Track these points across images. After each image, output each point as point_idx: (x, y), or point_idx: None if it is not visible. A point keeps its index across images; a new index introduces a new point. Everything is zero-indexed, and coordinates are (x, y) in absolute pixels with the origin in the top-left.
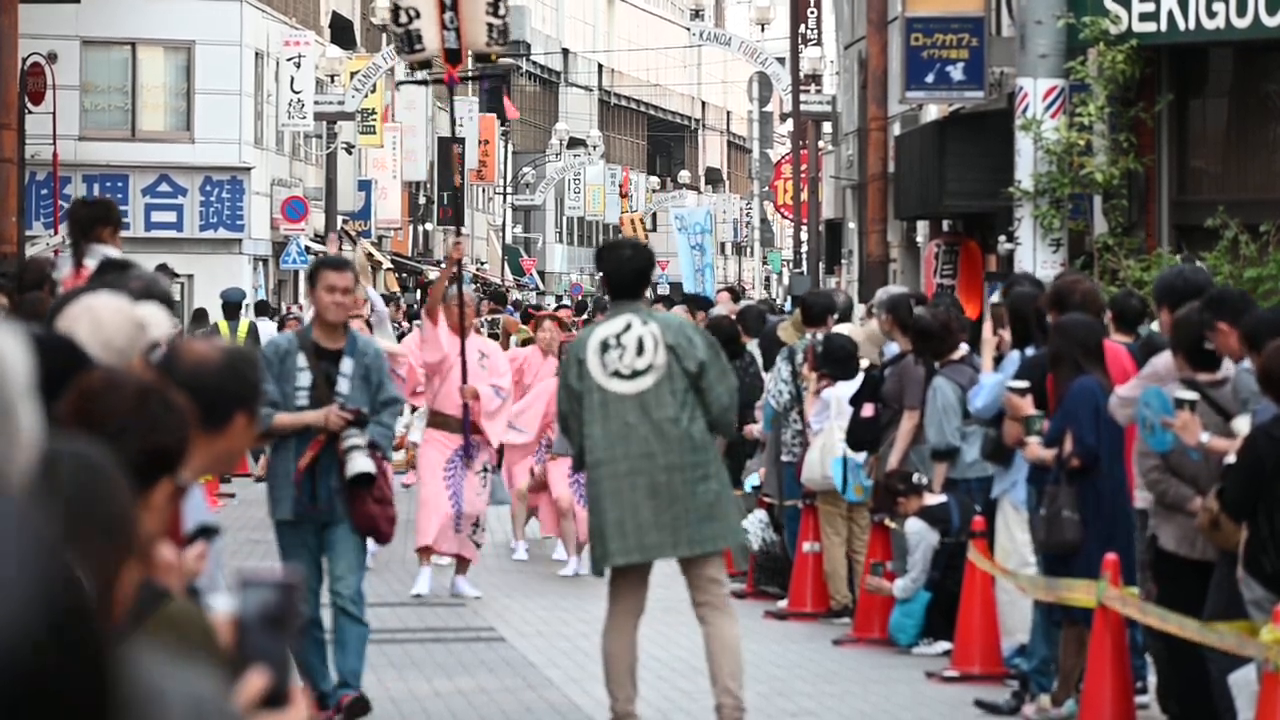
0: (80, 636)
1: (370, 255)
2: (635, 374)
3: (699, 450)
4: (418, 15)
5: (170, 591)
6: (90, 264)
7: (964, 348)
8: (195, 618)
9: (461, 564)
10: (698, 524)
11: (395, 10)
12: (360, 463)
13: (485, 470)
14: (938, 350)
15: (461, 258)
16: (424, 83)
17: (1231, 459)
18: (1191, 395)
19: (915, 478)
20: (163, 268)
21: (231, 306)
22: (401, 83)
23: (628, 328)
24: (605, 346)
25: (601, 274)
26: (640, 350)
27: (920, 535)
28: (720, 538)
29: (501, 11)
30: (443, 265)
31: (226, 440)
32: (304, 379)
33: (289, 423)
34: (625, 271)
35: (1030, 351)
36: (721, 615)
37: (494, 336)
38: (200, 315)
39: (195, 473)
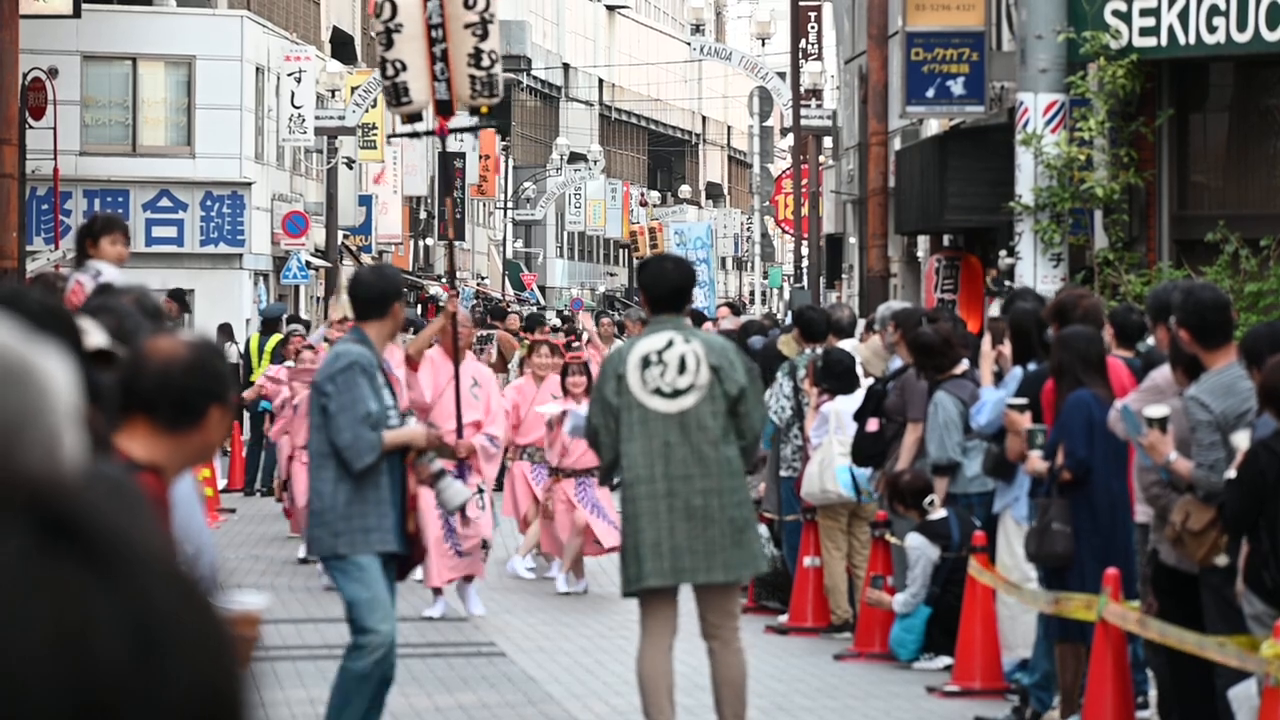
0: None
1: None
2: (677, 393)
3: (735, 475)
4: (404, 68)
5: None
6: (84, 278)
7: (965, 363)
8: None
9: (467, 578)
10: (731, 550)
11: (383, 63)
12: (459, 491)
13: (480, 491)
14: (938, 365)
15: (457, 311)
16: (415, 135)
17: (1232, 473)
18: (1161, 413)
19: (928, 500)
20: (175, 294)
21: (270, 321)
22: (394, 135)
23: (670, 344)
24: (646, 362)
25: (641, 287)
26: (682, 368)
27: (920, 550)
28: (748, 565)
29: (485, 63)
30: (442, 303)
31: (203, 435)
32: (388, 396)
33: (393, 441)
34: (665, 285)
35: (1032, 367)
36: (730, 650)
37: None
38: (225, 330)
39: (176, 469)
